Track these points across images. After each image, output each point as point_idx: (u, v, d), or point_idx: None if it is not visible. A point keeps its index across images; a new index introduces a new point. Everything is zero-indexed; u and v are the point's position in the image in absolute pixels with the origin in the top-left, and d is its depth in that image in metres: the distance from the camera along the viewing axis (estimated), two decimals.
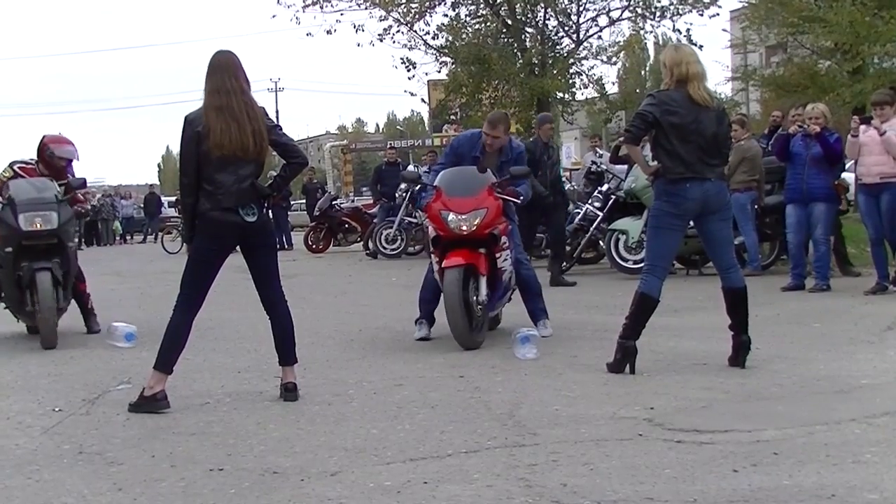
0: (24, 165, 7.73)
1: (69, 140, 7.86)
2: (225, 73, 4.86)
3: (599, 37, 22.29)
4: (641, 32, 23.03)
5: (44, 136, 7.84)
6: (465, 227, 6.45)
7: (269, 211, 6.87)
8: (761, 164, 10.29)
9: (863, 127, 8.51)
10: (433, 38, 21.79)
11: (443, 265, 6.43)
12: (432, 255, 6.75)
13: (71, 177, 7.74)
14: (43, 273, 7.09)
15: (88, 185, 8.29)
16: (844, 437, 3.93)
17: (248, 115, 4.82)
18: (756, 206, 10.46)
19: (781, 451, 3.72)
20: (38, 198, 7.24)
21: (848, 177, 10.20)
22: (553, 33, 22.20)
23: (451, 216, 6.48)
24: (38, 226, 7.14)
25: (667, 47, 5.98)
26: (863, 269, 9.85)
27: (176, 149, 5.53)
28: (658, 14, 21.34)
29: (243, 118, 4.79)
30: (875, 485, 3.29)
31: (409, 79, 22.30)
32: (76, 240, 7.95)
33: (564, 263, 11.69)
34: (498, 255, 6.56)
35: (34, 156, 7.73)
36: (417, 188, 15.27)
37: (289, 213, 21.78)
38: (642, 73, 55.00)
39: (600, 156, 14.59)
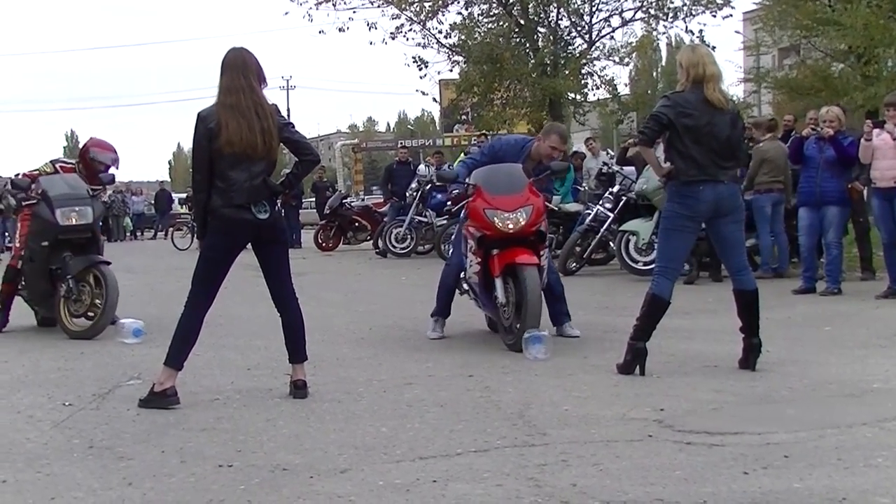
0: (64, 164, 7.94)
1: (113, 147, 8.03)
2: (236, 70, 4.86)
3: (612, 37, 22.27)
4: (654, 33, 22.99)
5: (90, 139, 8.08)
6: (511, 226, 6.30)
7: (283, 208, 6.90)
8: (787, 166, 10.17)
9: (876, 131, 8.47)
10: (446, 37, 21.79)
11: (517, 262, 6.24)
12: (473, 256, 6.48)
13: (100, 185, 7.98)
14: (106, 267, 7.37)
15: None
16: (856, 440, 3.92)
17: (258, 113, 4.81)
18: (785, 207, 10.34)
19: (792, 454, 3.71)
20: (73, 193, 7.43)
21: None
22: (565, 33, 22.17)
23: (498, 214, 6.33)
24: (75, 220, 7.35)
25: (683, 48, 5.95)
26: (875, 274, 9.81)
27: (187, 146, 5.59)
28: (671, 15, 21.30)
29: (252, 116, 4.79)
30: (887, 489, 3.28)
31: (421, 78, 22.32)
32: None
33: (575, 264, 11.68)
34: (542, 252, 6.45)
35: (73, 155, 7.93)
36: (428, 187, 15.45)
37: (300, 210, 21.78)
38: (654, 74, 54.93)
39: (612, 157, 14.56)
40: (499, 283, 6.32)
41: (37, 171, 7.76)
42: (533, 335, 6.01)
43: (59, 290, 7.37)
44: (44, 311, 7.84)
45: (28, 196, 7.54)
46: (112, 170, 8.04)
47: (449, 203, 7.12)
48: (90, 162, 7.81)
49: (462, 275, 6.88)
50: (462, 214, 7.25)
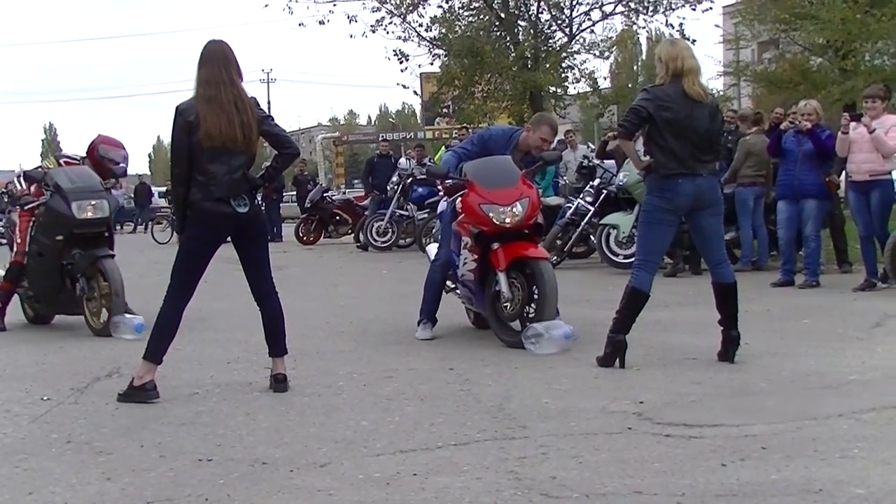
0: (69, 161, 7.66)
1: (122, 144, 7.82)
2: (216, 63, 4.85)
3: (592, 31, 22.33)
4: (634, 27, 23.05)
5: (97, 136, 7.80)
6: (508, 220, 6.13)
7: (264, 202, 6.83)
8: (769, 160, 10.20)
9: (853, 124, 8.54)
10: (426, 30, 21.77)
11: (528, 256, 6.06)
12: (468, 252, 6.29)
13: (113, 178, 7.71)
14: (110, 260, 7.10)
15: None
16: (832, 432, 3.95)
17: (237, 106, 4.80)
18: (765, 201, 10.38)
19: (770, 445, 3.74)
20: (87, 186, 7.19)
21: None
22: (546, 27, 22.20)
23: (494, 209, 6.14)
24: (91, 214, 7.10)
25: (662, 42, 5.98)
26: (852, 266, 9.89)
27: (167, 139, 5.52)
28: (651, 8, 21.36)
29: (232, 109, 4.78)
30: (862, 479, 3.31)
31: (402, 71, 22.31)
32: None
33: (555, 258, 11.70)
34: (538, 244, 6.33)
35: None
36: (409, 181, 15.44)
37: (280, 204, 21.70)
38: (635, 67, 55.10)
39: (592, 150, 14.61)
40: (503, 277, 6.13)
41: (40, 168, 7.47)
42: (564, 331, 5.89)
43: (77, 287, 7.09)
44: (45, 309, 7.60)
45: (37, 190, 7.24)
46: (121, 166, 7.77)
47: (441, 193, 6.80)
48: (100, 159, 7.54)
49: (450, 272, 6.71)
50: (442, 209, 7.19)
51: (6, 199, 7.83)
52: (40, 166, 7.60)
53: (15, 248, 7.49)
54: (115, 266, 7.12)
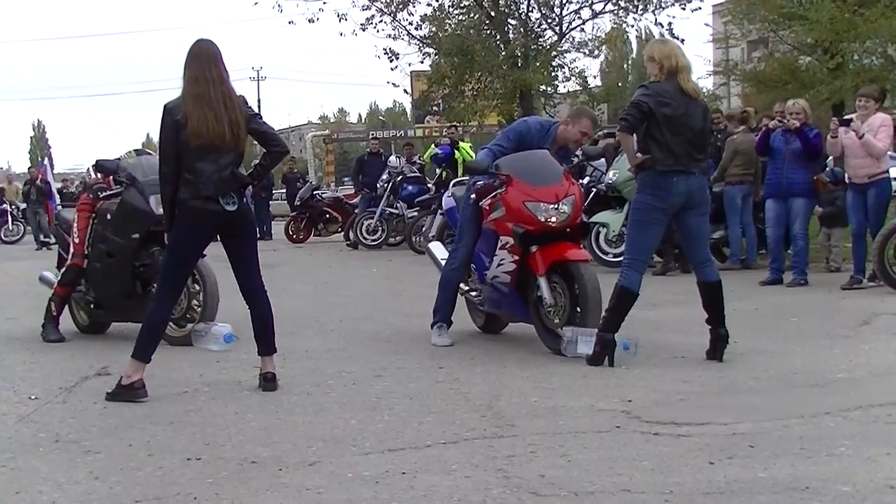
0: (147, 156, 6.95)
1: None
2: (204, 61, 4.85)
3: (582, 29, 22.32)
4: (624, 26, 23.07)
5: None
6: (555, 219, 5.79)
7: (253, 200, 6.65)
8: (757, 158, 10.18)
9: (842, 129, 8.56)
10: (416, 29, 21.75)
11: (570, 259, 5.73)
12: (507, 253, 5.92)
13: None
14: (202, 259, 6.13)
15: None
16: (819, 430, 3.97)
17: (226, 104, 4.80)
18: (753, 200, 10.40)
19: (757, 443, 3.75)
20: None
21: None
22: (536, 25, 22.19)
23: (540, 207, 5.80)
24: None
25: (651, 42, 6.00)
26: (841, 264, 9.94)
27: (156, 137, 5.43)
28: (640, 7, 21.37)
29: (220, 108, 4.77)
30: (848, 477, 3.32)
31: (392, 69, 22.26)
32: None
33: None
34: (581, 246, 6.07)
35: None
36: (399, 179, 15.44)
37: (270, 202, 21.67)
38: (625, 66, 55.25)
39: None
40: (544, 282, 5.76)
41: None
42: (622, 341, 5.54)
43: (152, 290, 6.21)
44: (107, 315, 6.96)
45: (109, 184, 6.74)
46: None
47: (474, 196, 6.35)
48: None
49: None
50: (449, 205, 7.03)
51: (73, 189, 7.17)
52: (119, 159, 6.90)
53: (72, 250, 6.80)
54: (208, 266, 6.32)
